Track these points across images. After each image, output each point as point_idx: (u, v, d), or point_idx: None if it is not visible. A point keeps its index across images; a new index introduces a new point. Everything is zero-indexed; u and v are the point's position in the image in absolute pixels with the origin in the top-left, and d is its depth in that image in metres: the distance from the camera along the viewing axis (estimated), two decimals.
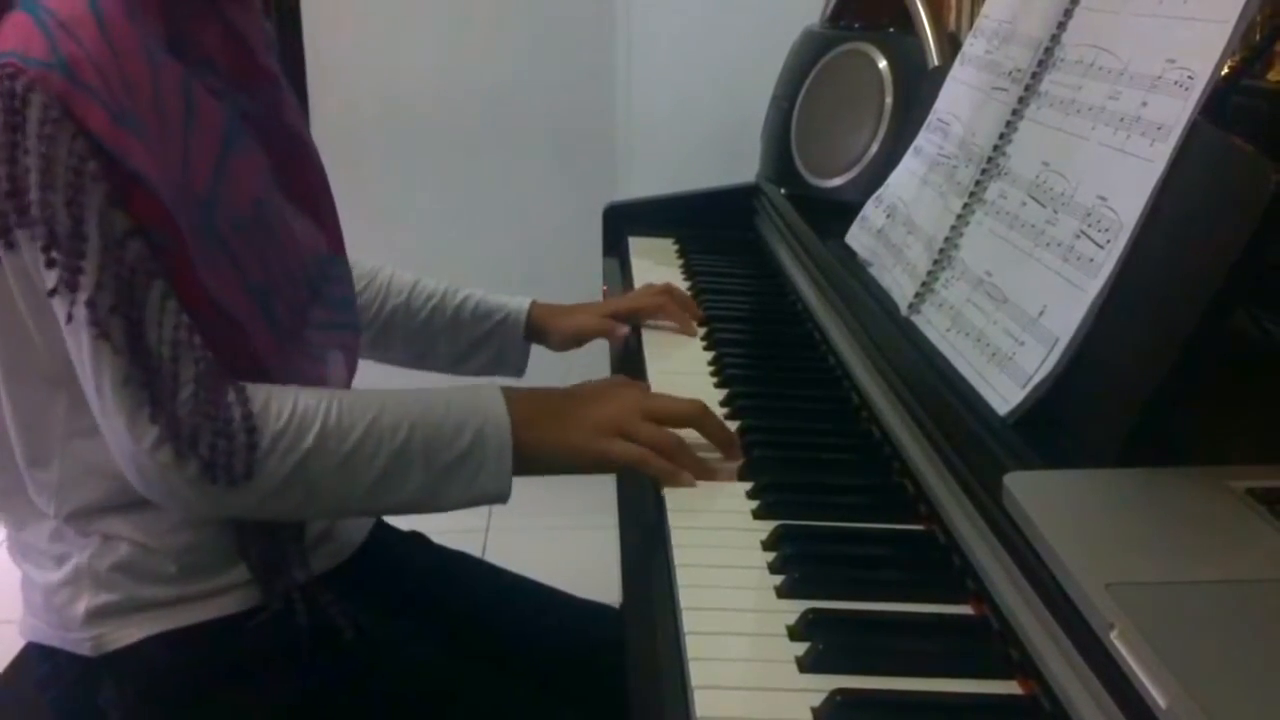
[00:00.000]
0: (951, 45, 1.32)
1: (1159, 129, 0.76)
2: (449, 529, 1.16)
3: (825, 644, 0.69)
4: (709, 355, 1.21)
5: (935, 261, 1.01)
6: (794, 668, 0.68)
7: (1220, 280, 0.67)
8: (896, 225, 1.14)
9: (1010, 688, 0.67)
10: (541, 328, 1.27)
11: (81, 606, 0.89)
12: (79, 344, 0.80)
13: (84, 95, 0.76)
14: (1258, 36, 0.99)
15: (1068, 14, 0.95)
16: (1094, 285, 0.77)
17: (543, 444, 0.90)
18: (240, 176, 0.87)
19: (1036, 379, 0.79)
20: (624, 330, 1.27)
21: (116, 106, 0.78)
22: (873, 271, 1.16)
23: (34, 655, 0.95)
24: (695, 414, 0.94)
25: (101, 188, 0.77)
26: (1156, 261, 0.74)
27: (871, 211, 1.22)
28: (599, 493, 1.08)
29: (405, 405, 0.88)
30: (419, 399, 0.89)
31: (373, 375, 1.11)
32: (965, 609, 0.75)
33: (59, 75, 0.76)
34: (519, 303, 1.26)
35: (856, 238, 1.22)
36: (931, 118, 1.16)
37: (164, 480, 0.82)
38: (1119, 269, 0.76)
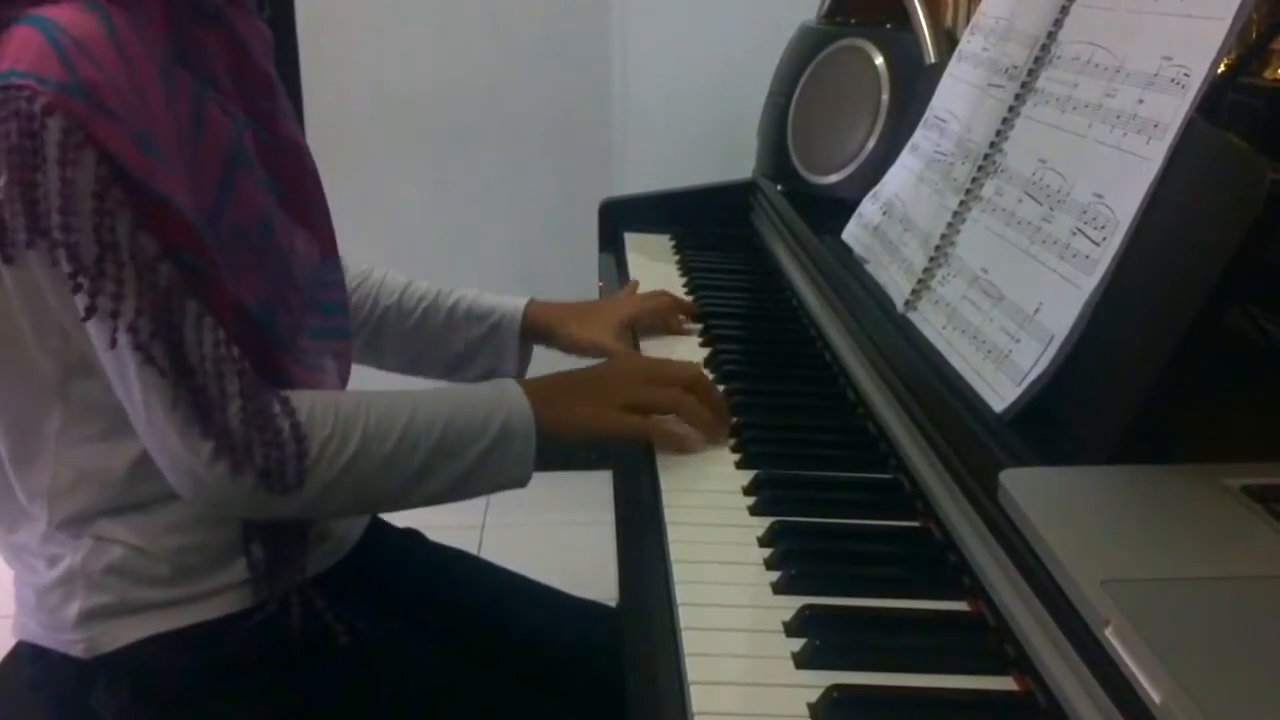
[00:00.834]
0: (948, 42, 1.32)
1: (1155, 126, 0.76)
2: (445, 526, 1.16)
3: (821, 640, 0.69)
4: (705, 351, 1.21)
5: (931, 259, 1.01)
6: (790, 664, 0.68)
7: (1216, 278, 0.67)
8: (893, 222, 1.14)
9: (1006, 684, 0.67)
10: (546, 329, 1.23)
11: (74, 608, 0.89)
12: (122, 368, 0.80)
13: (105, 119, 0.75)
14: (1254, 34, 0.99)
15: (1064, 11, 0.95)
16: (1090, 283, 0.77)
17: (562, 422, 0.94)
18: (244, 192, 0.88)
19: (1032, 376, 0.79)
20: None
21: (137, 129, 0.77)
22: (869, 268, 1.16)
23: (26, 655, 0.95)
24: (697, 377, 0.99)
25: (128, 213, 0.77)
26: (1152, 259, 0.74)
27: (868, 208, 1.22)
28: (595, 489, 1.08)
29: (436, 403, 0.91)
30: (446, 397, 0.92)
31: (375, 380, 1.10)
32: (961, 605, 0.75)
33: (79, 100, 0.74)
34: (515, 302, 1.23)
35: (853, 235, 1.22)
36: (928, 115, 1.16)
37: (221, 491, 0.83)
38: (1115, 266, 0.76)
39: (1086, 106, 0.86)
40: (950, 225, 1.00)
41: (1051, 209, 0.85)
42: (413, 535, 1.18)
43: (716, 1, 2.14)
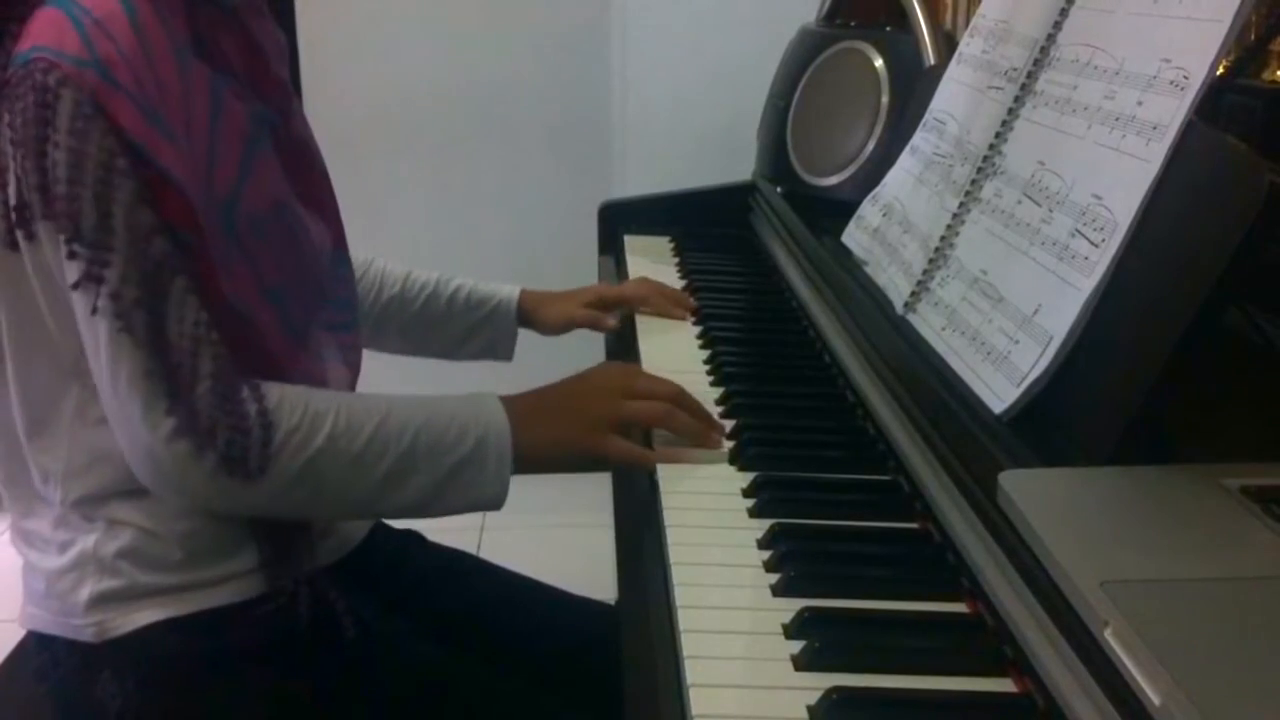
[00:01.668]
0: (947, 44, 1.32)
1: (1154, 128, 0.76)
2: (445, 528, 1.15)
3: (821, 642, 0.69)
4: (705, 353, 1.21)
5: (931, 260, 1.01)
6: (789, 665, 0.68)
7: (1215, 279, 0.67)
8: (892, 224, 1.14)
9: (1005, 685, 0.67)
10: (531, 315, 1.31)
11: (85, 592, 0.89)
12: (96, 336, 0.81)
13: (117, 93, 0.78)
14: (1253, 36, 0.99)
15: (1063, 13, 0.95)
16: (1089, 284, 0.77)
17: (541, 443, 0.93)
18: (262, 177, 0.89)
19: (1031, 377, 0.79)
20: (611, 321, 1.31)
21: (148, 106, 0.79)
22: (869, 270, 1.16)
23: (33, 645, 0.95)
24: (676, 391, 0.97)
25: (130, 184, 0.79)
26: (1151, 260, 0.74)
27: (868, 210, 1.22)
28: (594, 491, 1.08)
29: (411, 410, 0.90)
30: (423, 405, 0.91)
31: (374, 376, 1.11)
32: (960, 607, 0.75)
33: (93, 73, 0.77)
34: (509, 290, 1.31)
35: (853, 236, 1.22)
36: (928, 117, 1.16)
37: (179, 472, 0.83)
38: (1114, 268, 0.76)
39: (1085, 108, 0.86)
40: (949, 227, 1.00)
41: (1050, 210, 0.85)
42: (413, 537, 1.18)
43: (716, 4, 2.14)
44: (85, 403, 0.88)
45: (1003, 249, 0.90)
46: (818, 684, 0.65)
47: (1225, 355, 0.74)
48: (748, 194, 1.71)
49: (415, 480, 0.88)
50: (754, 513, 0.87)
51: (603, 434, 0.93)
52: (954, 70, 1.14)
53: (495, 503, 0.91)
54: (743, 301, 1.42)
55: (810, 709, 0.64)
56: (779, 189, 1.57)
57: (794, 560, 0.79)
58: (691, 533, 0.84)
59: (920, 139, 1.16)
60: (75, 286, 0.79)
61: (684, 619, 0.72)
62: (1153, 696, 0.51)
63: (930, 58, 1.35)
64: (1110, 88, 0.84)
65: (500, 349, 1.32)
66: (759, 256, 1.58)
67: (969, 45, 1.12)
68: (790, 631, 0.71)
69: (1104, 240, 0.77)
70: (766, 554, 0.80)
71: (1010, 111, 0.98)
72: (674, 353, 1.22)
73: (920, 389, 0.90)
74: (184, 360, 0.81)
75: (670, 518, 0.86)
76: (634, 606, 0.78)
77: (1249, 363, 0.78)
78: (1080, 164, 0.84)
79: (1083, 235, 0.80)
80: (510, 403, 0.93)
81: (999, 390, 0.82)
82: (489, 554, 1.24)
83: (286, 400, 0.85)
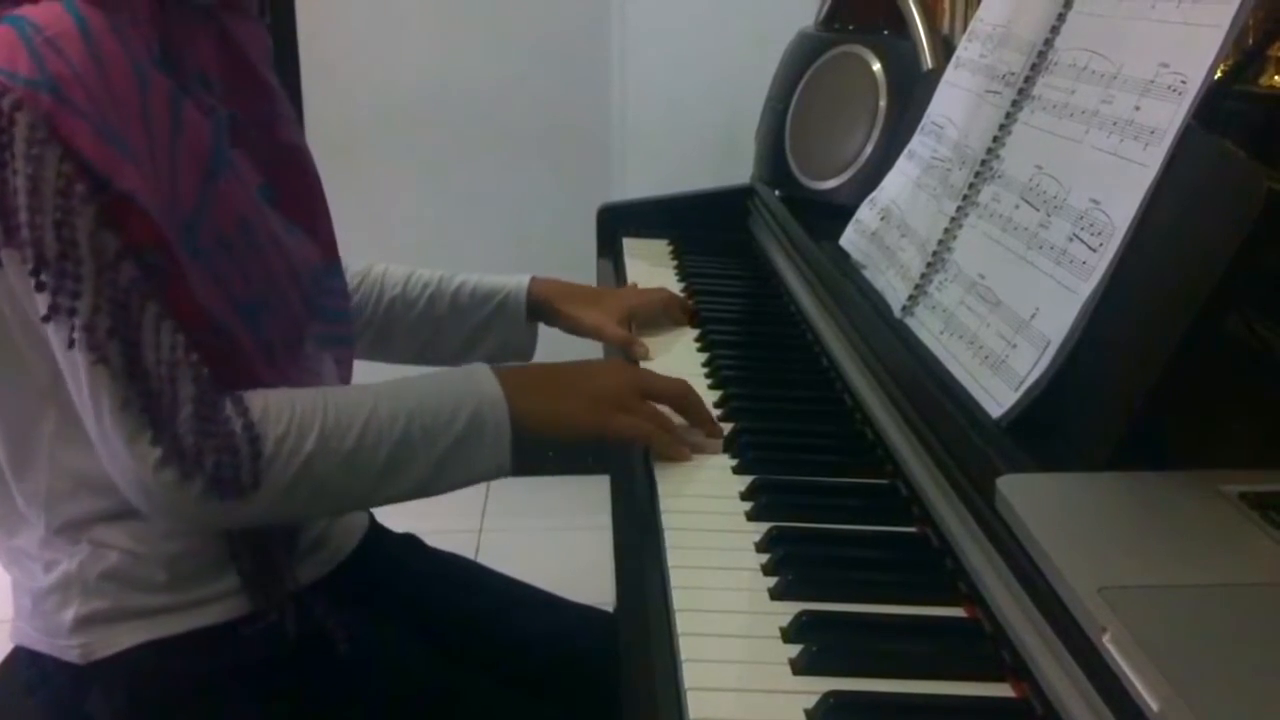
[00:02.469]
0: (945, 48, 1.32)
1: (1152, 133, 0.77)
2: (442, 530, 1.16)
3: (818, 646, 0.69)
4: (703, 357, 1.21)
5: (929, 264, 1.01)
6: (787, 670, 0.68)
7: (1213, 284, 0.67)
8: (890, 228, 1.14)
9: (1003, 690, 0.67)
10: (549, 306, 1.24)
11: (70, 613, 0.89)
12: (74, 368, 0.79)
13: (70, 114, 0.75)
14: (1251, 41, 0.99)
15: (1061, 18, 0.95)
16: (1086, 288, 0.77)
17: (540, 415, 0.91)
18: (226, 195, 0.86)
19: (1029, 382, 0.79)
20: (644, 350, 1.22)
21: (104, 125, 0.76)
22: (866, 274, 1.16)
23: (22, 660, 0.95)
24: (683, 393, 0.98)
25: (91, 209, 0.76)
26: (1149, 265, 0.74)
27: (866, 214, 1.22)
28: (592, 494, 1.08)
29: (400, 395, 0.88)
30: (412, 387, 0.89)
31: (372, 378, 1.10)
32: (958, 612, 0.75)
33: (46, 94, 0.74)
34: (518, 280, 1.24)
35: (851, 240, 1.23)
36: (925, 121, 1.16)
37: (169, 500, 0.81)
38: (1111, 272, 0.76)
39: (1083, 113, 0.86)
40: (947, 231, 1.00)
41: (1048, 215, 0.85)
42: (410, 540, 1.18)
43: (715, 7, 2.15)
44: (63, 426, 0.86)
45: (1000, 253, 0.90)
46: (815, 688, 0.65)
47: (1223, 361, 0.74)
48: (746, 197, 1.71)
49: (414, 464, 0.87)
50: (752, 516, 0.86)
51: (606, 412, 0.93)
52: (952, 74, 1.15)
53: (499, 472, 0.90)
54: (741, 305, 1.42)
55: (808, 713, 0.64)
56: (777, 192, 1.57)
57: (792, 564, 0.79)
58: (689, 536, 0.84)
59: (918, 143, 1.16)
60: (47, 319, 0.77)
61: (682, 622, 0.72)
62: (1151, 702, 0.51)
63: (928, 62, 1.35)
64: (1108, 92, 0.84)
65: (516, 346, 1.25)
66: (757, 260, 1.58)
67: (967, 49, 1.12)
68: (788, 635, 0.71)
69: (1102, 245, 0.77)
70: (764, 557, 0.80)
71: (1008, 116, 0.98)
72: (672, 355, 1.22)
73: (918, 393, 0.90)
74: (163, 388, 0.79)
75: (668, 521, 0.86)
76: (632, 609, 0.78)
77: (1247, 368, 0.79)
78: (1078, 168, 0.84)
79: (1080, 240, 0.80)
80: (505, 375, 0.91)
81: (997, 394, 0.82)
82: (486, 557, 1.24)
83: (271, 408, 0.84)
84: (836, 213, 1.30)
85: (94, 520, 0.89)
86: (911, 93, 1.30)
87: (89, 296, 0.76)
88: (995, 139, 0.99)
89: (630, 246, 1.64)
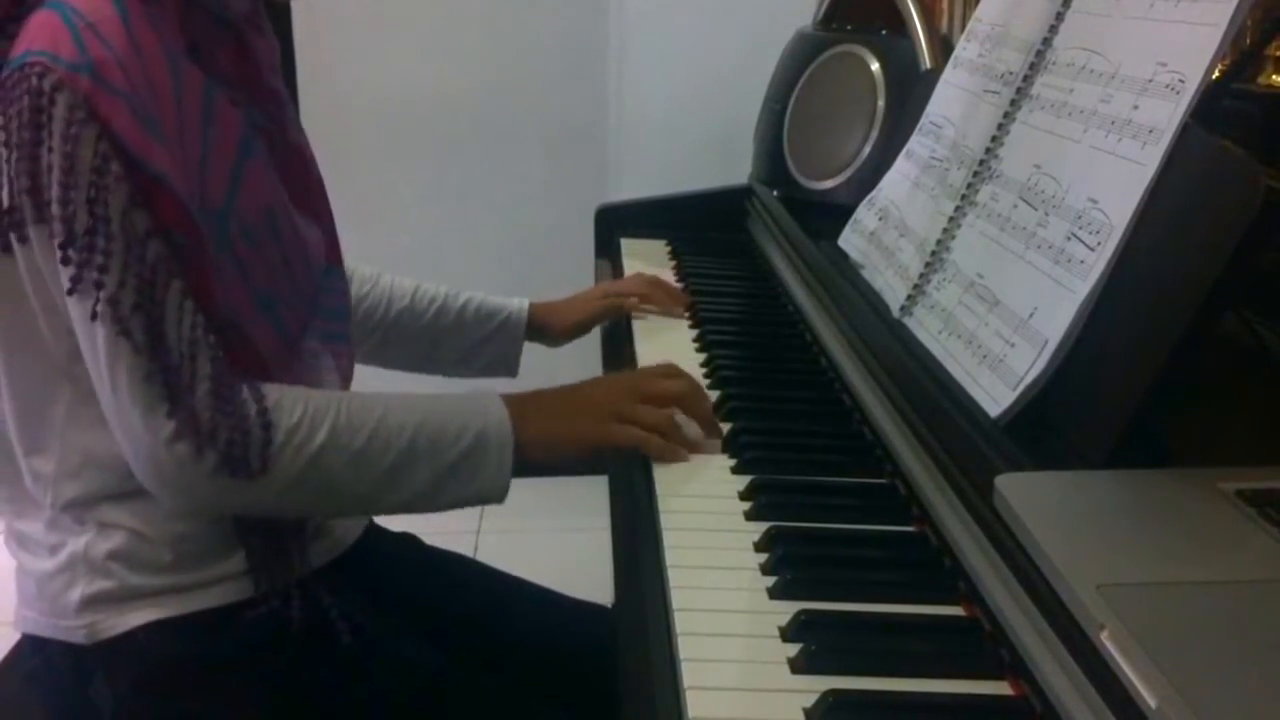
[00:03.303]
0: (944, 48, 1.32)
1: (1150, 132, 0.77)
2: (441, 530, 1.16)
3: (817, 645, 0.69)
4: (701, 357, 1.21)
5: (927, 264, 1.01)
6: (786, 669, 0.68)
7: (1211, 283, 0.67)
8: (889, 228, 1.15)
9: (1001, 688, 0.67)
10: (541, 326, 1.32)
11: (76, 594, 0.89)
12: (93, 340, 0.81)
13: (110, 97, 0.78)
14: (1248, 40, 0.99)
15: (1059, 17, 0.95)
16: (1084, 287, 0.77)
17: (543, 437, 0.93)
18: (254, 184, 0.89)
19: (1027, 381, 0.79)
20: (632, 300, 1.34)
21: (141, 109, 0.79)
22: (865, 274, 1.16)
23: (27, 648, 0.95)
24: (687, 392, 0.98)
25: (124, 188, 0.79)
26: (1147, 264, 0.74)
27: (864, 214, 1.22)
28: (590, 494, 1.08)
29: (410, 406, 0.90)
30: (422, 402, 0.92)
31: (370, 385, 1.11)
32: (957, 610, 0.75)
33: (86, 76, 0.77)
34: (519, 303, 1.31)
35: (849, 240, 1.23)
36: (924, 120, 1.16)
37: (180, 474, 0.83)
38: (1109, 271, 0.76)
39: (1081, 112, 0.86)
40: (946, 230, 1.00)
41: (1046, 214, 0.85)
42: (408, 539, 1.18)
43: (713, 7, 2.15)
44: (77, 404, 0.88)
45: (999, 252, 0.91)
46: (814, 687, 0.65)
47: (1221, 359, 0.74)
48: (744, 197, 1.71)
49: (417, 476, 0.89)
50: (751, 515, 0.87)
51: (606, 423, 0.95)
52: (950, 74, 1.15)
53: (497, 496, 0.92)
54: (739, 305, 1.42)
55: (807, 712, 0.64)
56: (775, 192, 1.57)
57: (791, 563, 0.79)
58: (688, 535, 0.84)
59: (916, 143, 1.16)
60: (71, 292, 0.79)
61: (680, 621, 0.72)
62: (1149, 699, 0.51)
63: (926, 61, 1.35)
64: (1106, 91, 0.84)
65: (508, 364, 1.32)
66: (755, 260, 1.58)
67: (965, 49, 1.13)
68: (787, 634, 0.71)
69: (1100, 244, 0.77)
70: (763, 557, 0.80)
71: (1006, 115, 0.98)
72: (670, 356, 1.21)
73: (917, 392, 0.91)
74: (183, 363, 0.81)
75: (667, 520, 0.86)
76: (630, 609, 0.78)
77: (1245, 367, 0.79)
78: (1076, 167, 0.84)
79: (1079, 239, 0.80)
80: (511, 398, 0.94)
81: (995, 393, 0.82)
82: (485, 556, 1.24)
83: (286, 400, 0.86)
84: (835, 213, 1.30)
85: (100, 499, 0.89)
86: (910, 92, 1.30)
87: (116, 271, 0.79)
88: (994, 138, 0.99)
89: (628, 247, 1.64)
